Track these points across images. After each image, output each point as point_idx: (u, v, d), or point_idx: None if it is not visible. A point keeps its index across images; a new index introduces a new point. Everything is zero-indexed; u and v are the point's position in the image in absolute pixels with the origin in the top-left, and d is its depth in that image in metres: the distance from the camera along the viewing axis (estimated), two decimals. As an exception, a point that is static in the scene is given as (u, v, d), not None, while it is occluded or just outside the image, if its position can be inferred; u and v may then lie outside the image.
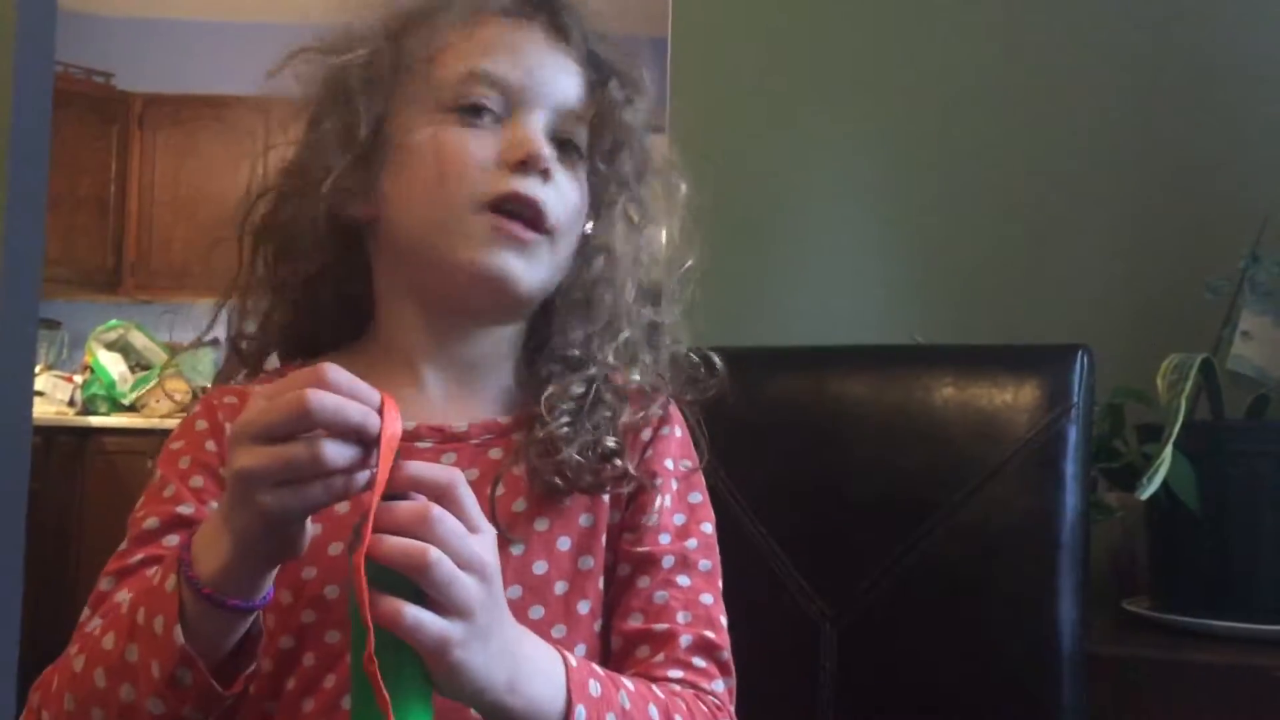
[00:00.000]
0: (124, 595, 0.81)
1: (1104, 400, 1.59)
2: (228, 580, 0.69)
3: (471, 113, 0.87)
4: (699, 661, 0.86)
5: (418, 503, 0.65)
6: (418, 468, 0.66)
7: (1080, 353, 1.17)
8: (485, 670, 0.67)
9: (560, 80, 0.91)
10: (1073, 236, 1.99)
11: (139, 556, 0.84)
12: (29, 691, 0.78)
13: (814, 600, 1.18)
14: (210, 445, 0.89)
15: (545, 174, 0.87)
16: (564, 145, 0.91)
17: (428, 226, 0.87)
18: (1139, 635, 1.54)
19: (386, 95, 0.89)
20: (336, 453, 0.64)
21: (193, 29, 5.75)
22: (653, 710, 0.79)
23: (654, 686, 0.82)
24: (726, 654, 0.89)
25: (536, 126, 0.88)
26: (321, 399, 0.64)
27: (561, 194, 0.89)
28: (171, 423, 5.01)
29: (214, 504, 0.85)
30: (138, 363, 5.15)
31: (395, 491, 0.65)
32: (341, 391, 0.65)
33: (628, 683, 0.80)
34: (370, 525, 0.62)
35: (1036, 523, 1.13)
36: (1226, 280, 1.69)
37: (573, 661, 0.76)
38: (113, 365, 5.05)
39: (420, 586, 0.64)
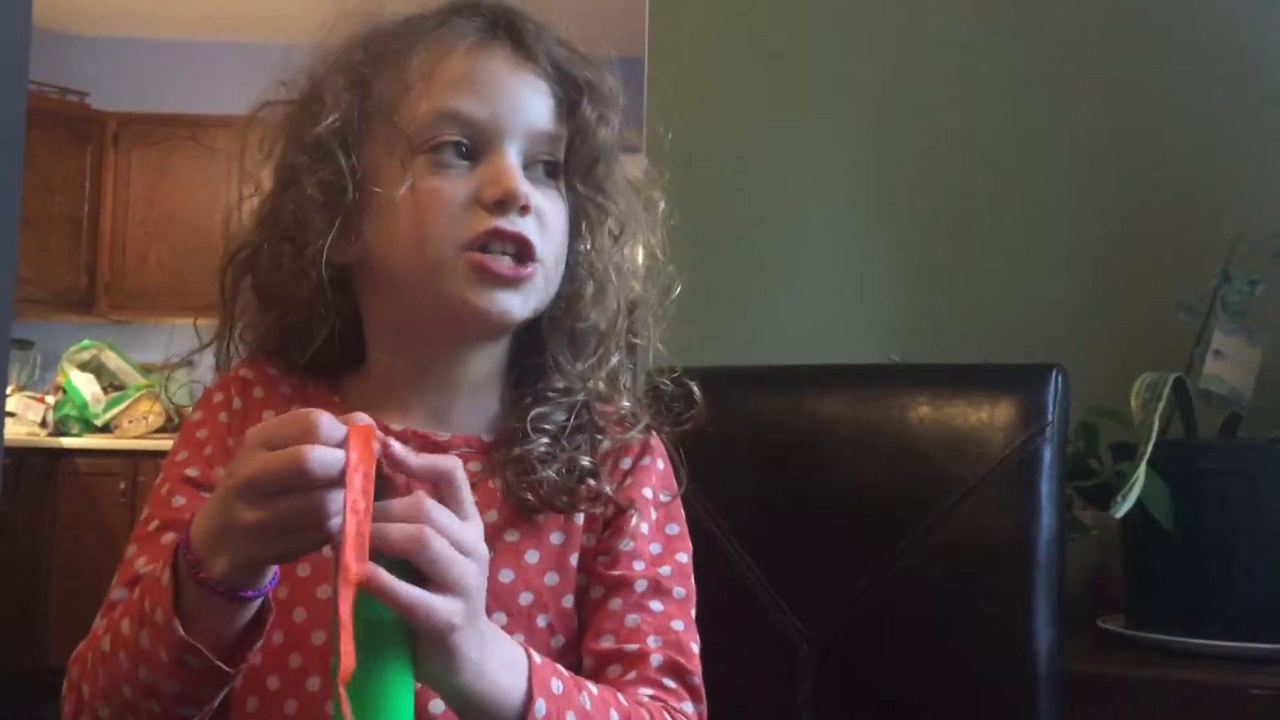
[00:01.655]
0: (143, 564, 0.84)
1: (1078, 419, 1.60)
2: (236, 578, 0.71)
3: (441, 151, 0.87)
4: (669, 682, 0.87)
5: (412, 497, 0.68)
6: (423, 459, 0.69)
7: (1055, 372, 1.18)
8: (465, 651, 0.69)
9: (529, 104, 0.90)
10: (1047, 257, 2.00)
11: (155, 523, 0.88)
12: (68, 664, 0.82)
13: (791, 619, 1.18)
14: (223, 416, 0.93)
15: (524, 209, 0.87)
16: (540, 166, 0.91)
17: (415, 270, 0.87)
18: (1114, 653, 1.54)
19: (359, 146, 0.89)
20: (337, 502, 0.66)
21: (168, 49, 5.75)
22: (614, 716, 0.79)
23: (619, 695, 0.82)
24: (697, 679, 0.89)
25: (510, 161, 0.87)
26: (320, 459, 0.65)
27: (544, 222, 0.89)
28: (147, 444, 4.98)
29: (220, 470, 0.88)
30: (111, 383, 5.11)
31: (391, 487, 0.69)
32: (333, 442, 0.66)
33: (591, 687, 0.80)
34: (346, 551, 0.63)
35: (1012, 541, 1.13)
36: (1198, 300, 1.70)
37: (536, 659, 0.77)
38: (85, 386, 5.01)
39: (419, 568, 0.66)
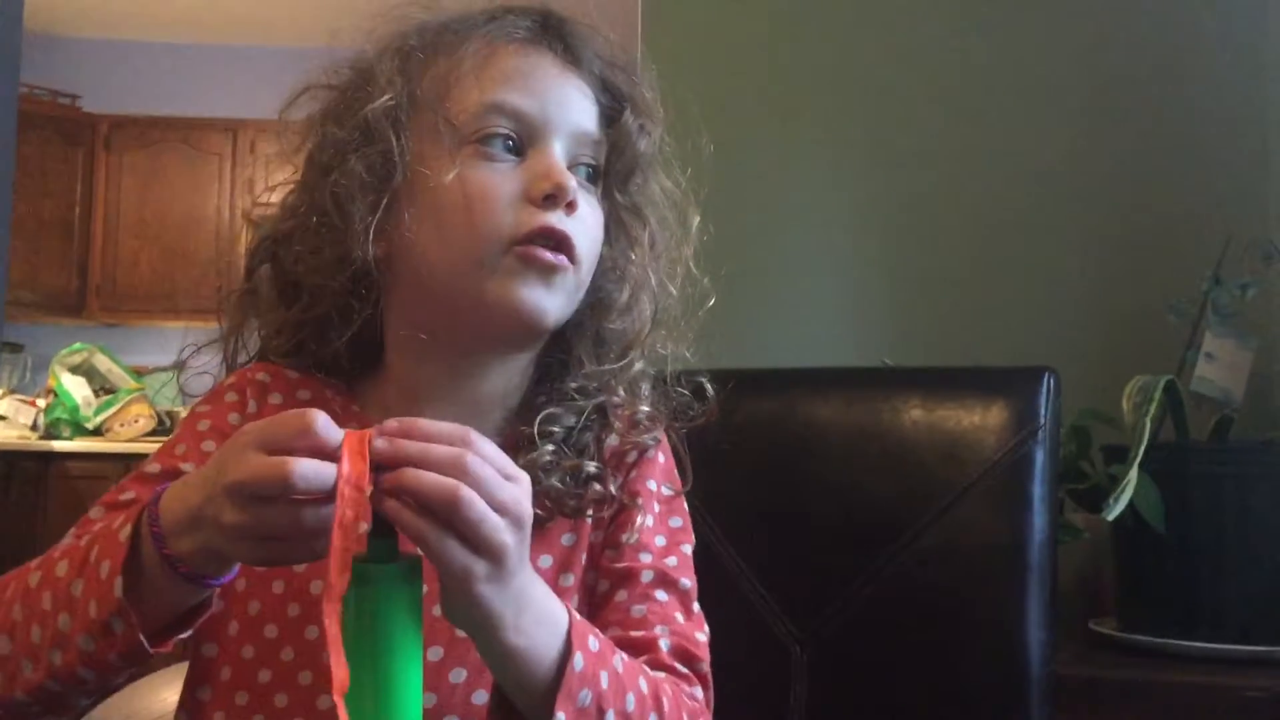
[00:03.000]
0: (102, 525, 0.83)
1: (1070, 422, 1.60)
2: (201, 564, 0.70)
3: (490, 144, 0.87)
4: (680, 667, 0.86)
5: (457, 449, 0.66)
6: (428, 425, 0.67)
7: (1046, 375, 1.18)
8: (497, 607, 0.69)
9: (575, 106, 0.90)
10: (1038, 261, 2.01)
11: (130, 494, 0.86)
12: None
13: (784, 622, 1.18)
14: (233, 418, 0.91)
15: (571, 206, 0.87)
16: (582, 170, 0.91)
17: (455, 265, 0.86)
18: (1106, 656, 1.55)
19: (408, 131, 0.88)
20: (315, 516, 0.65)
21: (159, 51, 5.74)
22: (642, 684, 0.79)
23: (644, 667, 0.82)
24: (705, 667, 0.89)
25: (558, 156, 0.88)
26: (306, 473, 0.64)
27: (585, 225, 0.89)
28: (138, 448, 4.96)
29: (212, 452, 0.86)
30: (102, 386, 5.10)
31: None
32: (329, 448, 0.65)
33: (622, 654, 0.80)
34: (335, 571, 0.62)
35: (1005, 544, 1.13)
36: (1189, 303, 1.71)
37: (576, 616, 0.76)
38: (76, 389, 5.00)
39: (453, 524, 0.65)
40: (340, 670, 0.62)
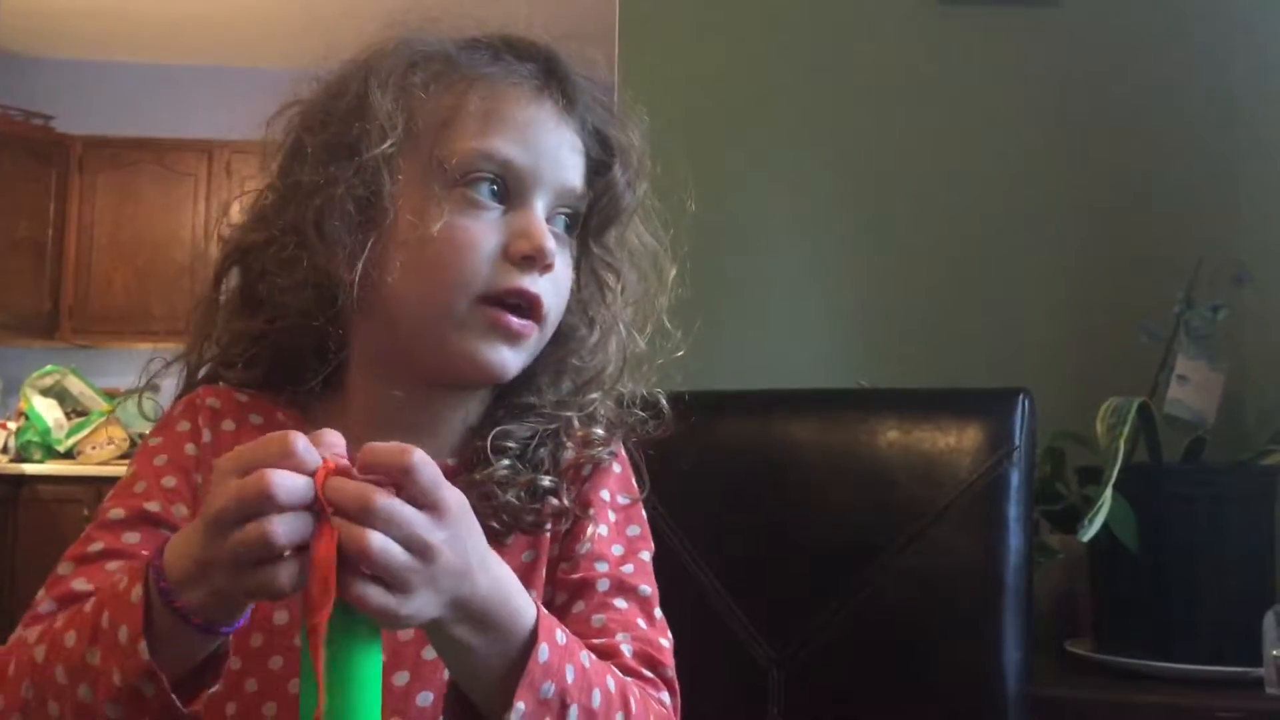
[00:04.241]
0: (81, 584, 0.80)
1: (1045, 443, 1.61)
2: (212, 613, 0.68)
3: (476, 188, 0.86)
4: (646, 672, 0.86)
5: (361, 486, 0.64)
6: (372, 450, 0.66)
7: (1021, 397, 1.18)
8: (457, 638, 0.69)
9: (567, 163, 0.90)
10: (1012, 283, 2.02)
11: (99, 545, 0.83)
12: None
13: (760, 644, 1.18)
14: (189, 448, 0.89)
15: (546, 268, 0.87)
16: (560, 219, 0.91)
17: (424, 308, 0.86)
18: (1082, 677, 1.55)
19: (400, 175, 0.87)
20: (289, 530, 0.63)
21: (134, 72, 5.72)
22: (610, 682, 0.78)
23: (613, 668, 0.81)
24: (670, 672, 0.88)
25: (540, 216, 0.88)
26: (282, 481, 0.63)
27: (557, 284, 0.89)
28: (110, 470, 4.92)
29: (182, 507, 0.86)
30: (74, 409, 5.06)
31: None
32: (307, 469, 0.64)
33: (591, 653, 0.79)
34: (314, 590, 0.62)
35: (980, 565, 1.13)
36: (1162, 325, 1.72)
37: (544, 611, 0.75)
38: (48, 411, 4.96)
39: (370, 571, 0.64)
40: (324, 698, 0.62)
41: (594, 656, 0.79)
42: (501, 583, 0.73)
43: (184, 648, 0.70)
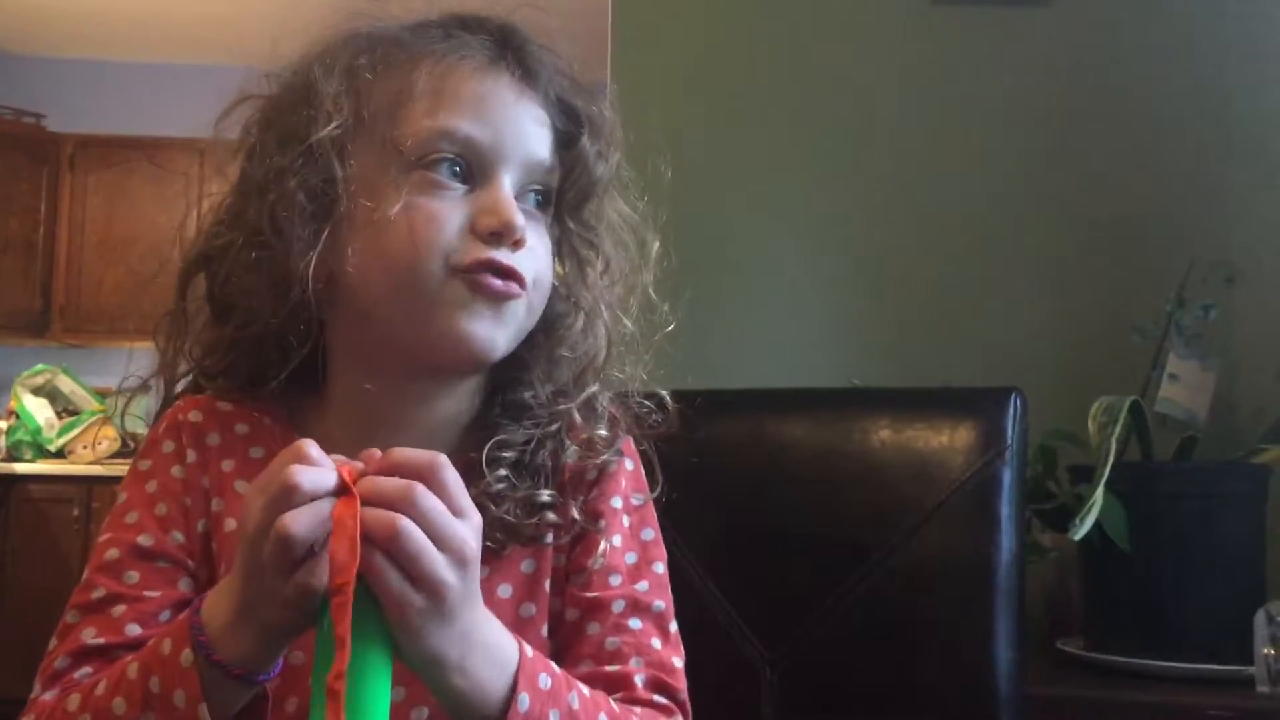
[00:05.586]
0: (91, 636, 0.80)
1: (1037, 442, 1.61)
2: (254, 661, 0.70)
3: (437, 169, 0.83)
4: (659, 698, 0.85)
5: (402, 480, 0.66)
6: (399, 453, 0.67)
7: (1013, 396, 1.18)
8: (440, 647, 0.68)
9: (530, 135, 0.87)
10: (1005, 282, 2.03)
11: (101, 592, 0.82)
12: None
13: (753, 643, 1.18)
14: (176, 471, 0.87)
15: (518, 244, 0.84)
16: (532, 196, 0.88)
17: (398, 295, 0.83)
18: (1074, 675, 1.55)
19: (352, 159, 0.84)
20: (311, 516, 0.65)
21: (126, 70, 5.71)
22: (603, 719, 0.78)
23: (612, 701, 0.81)
24: (683, 695, 0.87)
25: (507, 191, 0.84)
26: (308, 475, 0.65)
27: (533, 256, 0.86)
28: (101, 470, 4.89)
29: (178, 534, 0.85)
30: (65, 408, 5.05)
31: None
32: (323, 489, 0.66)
33: (583, 689, 0.78)
34: (339, 553, 0.63)
35: (972, 564, 1.13)
36: (1153, 324, 1.73)
37: (529, 653, 0.75)
38: (39, 410, 4.94)
39: (393, 556, 0.64)
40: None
41: (586, 694, 0.78)
42: (493, 622, 0.73)
43: (226, 702, 0.71)
